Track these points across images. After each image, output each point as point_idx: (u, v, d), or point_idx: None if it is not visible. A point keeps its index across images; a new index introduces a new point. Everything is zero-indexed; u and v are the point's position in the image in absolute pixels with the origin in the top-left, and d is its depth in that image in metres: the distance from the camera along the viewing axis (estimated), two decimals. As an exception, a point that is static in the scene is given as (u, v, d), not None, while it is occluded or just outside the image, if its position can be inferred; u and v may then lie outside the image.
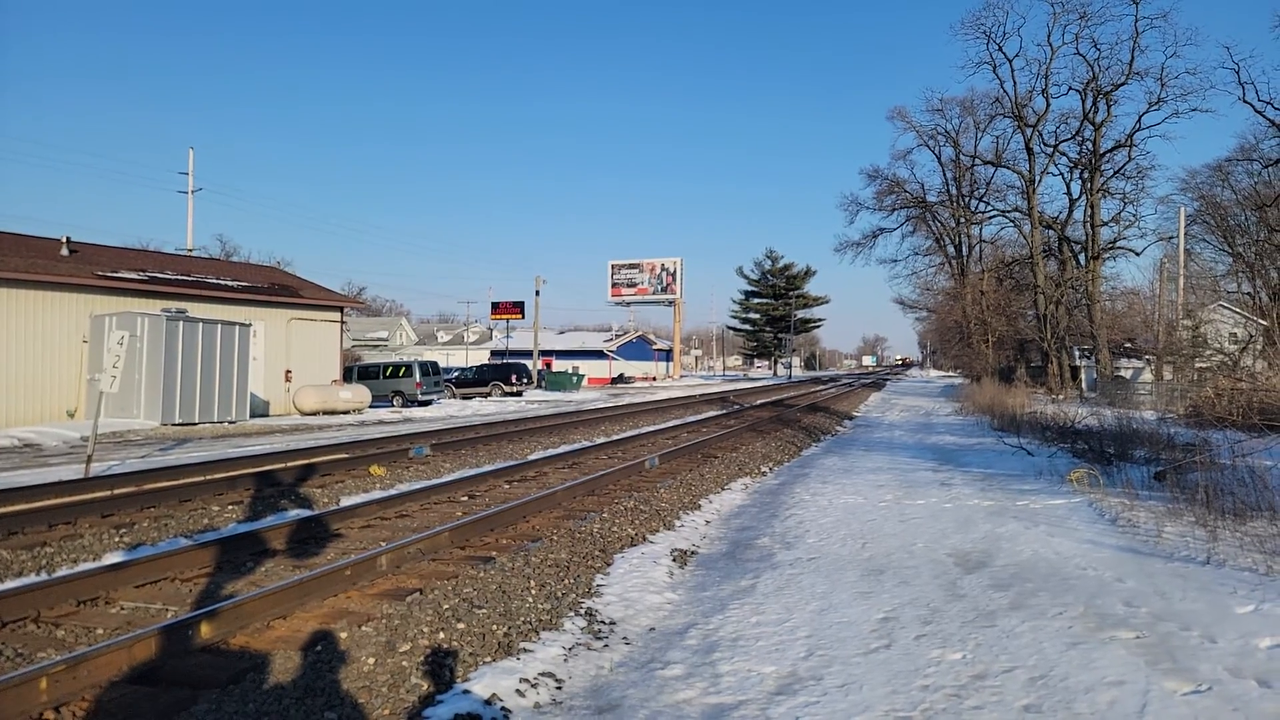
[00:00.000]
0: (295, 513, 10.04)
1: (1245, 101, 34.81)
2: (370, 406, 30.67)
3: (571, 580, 7.05)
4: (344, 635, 5.26)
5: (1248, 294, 47.57)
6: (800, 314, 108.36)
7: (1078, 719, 4.25)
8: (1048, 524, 9.11)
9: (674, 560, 8.08)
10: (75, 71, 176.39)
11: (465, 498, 11.04)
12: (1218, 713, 4.23)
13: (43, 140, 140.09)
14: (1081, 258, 43.29)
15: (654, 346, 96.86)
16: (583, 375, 62.16)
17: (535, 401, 40.60)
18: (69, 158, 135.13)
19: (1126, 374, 40.29)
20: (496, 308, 68.32)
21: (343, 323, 33.52)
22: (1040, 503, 10.44)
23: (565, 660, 5.33)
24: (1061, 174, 44.67)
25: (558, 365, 74.02)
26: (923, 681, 4.82)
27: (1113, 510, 9.54)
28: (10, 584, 6.72)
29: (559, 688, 4.93)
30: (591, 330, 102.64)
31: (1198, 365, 32.31)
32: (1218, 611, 5.79)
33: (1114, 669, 4.84)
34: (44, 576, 7.08)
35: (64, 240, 25.82)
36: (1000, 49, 42.74)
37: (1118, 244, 43.57)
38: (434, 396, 36.85)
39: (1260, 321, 36.27)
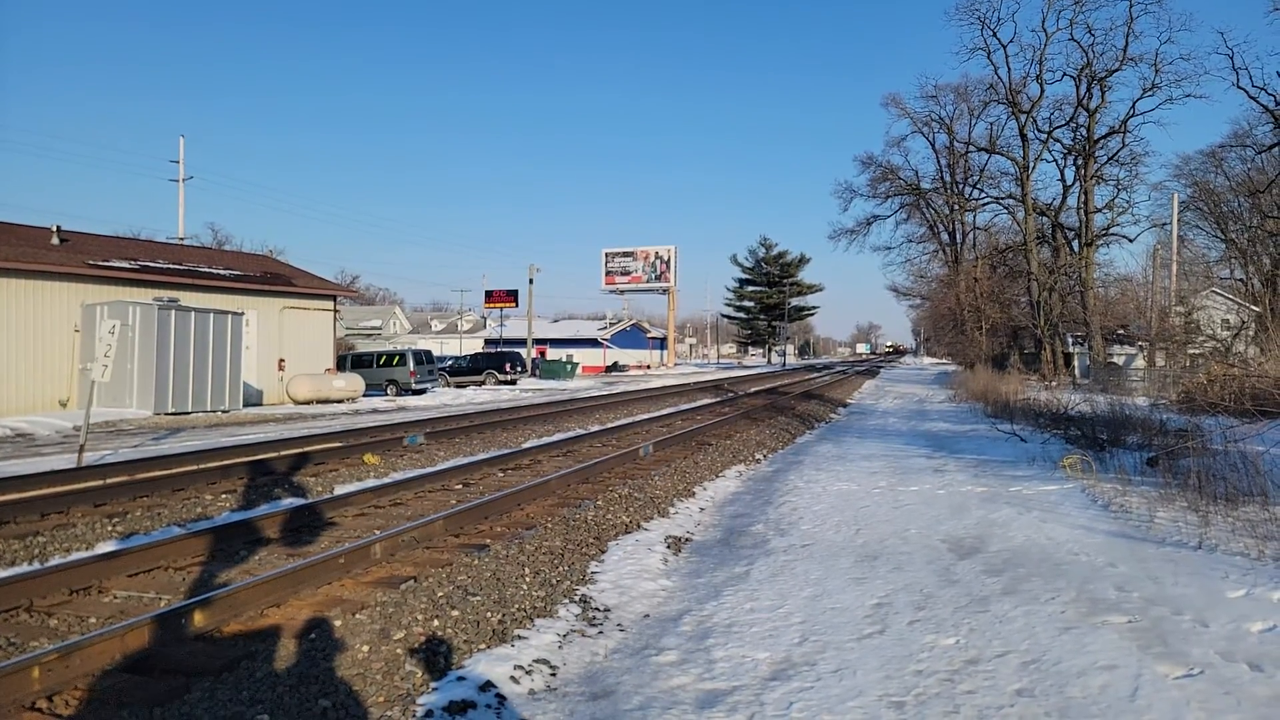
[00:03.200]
0: (289, 501, 10.03)
1: (1239, 87, 34.87)
2: (364, 395, 30.66)
3: (566, 568, 7.05)
4: (338, 623, 5.25)
5: (1240, 280, 47.76)
6: (794, 302, 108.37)
7: (1070, 703, 4.26)
8: (1041, 510, 9.14)
9: (668, 547, 8.09)
10: (65, 59, 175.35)
11: (459, 486, 11.03)
12: (1209, 696, 4.25)
13: (33, 128, 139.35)
14: (1075, 244, 43.33)
15: (648, 335, 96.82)
16: (577, 364, 62.10)
17: (529, 390, 40.60)
18: (59, 146, 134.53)
19: (1119, 360, 40.38)
20: (490, 296, 68.20)
21: (336, 311, 33.43)
22: (1033, 489, 10.47)
23: (560, 647, 5.34)
24: (1055, 160, 44.63)
25: (552, 354, 73.92)
26: (916, 666, 4.84)
27: (1105, 496, 9.57)
28: (3, 573, 6.69)
29: (553, 674, 4.93)
30: (586, 318, 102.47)
31: (1190, 351, 32.38)
32: (1210, 596, 5.81)
33: (1106, 653, 4.86)
34: (36, 566, 7.07)
35: (55, 229, 25.69)
36: (994, 35, 42.68)
37: (1111, 230, 43.61)
38: (428, 385, 36.80)
39: (1253, 307, 36.38)
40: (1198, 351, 31.98)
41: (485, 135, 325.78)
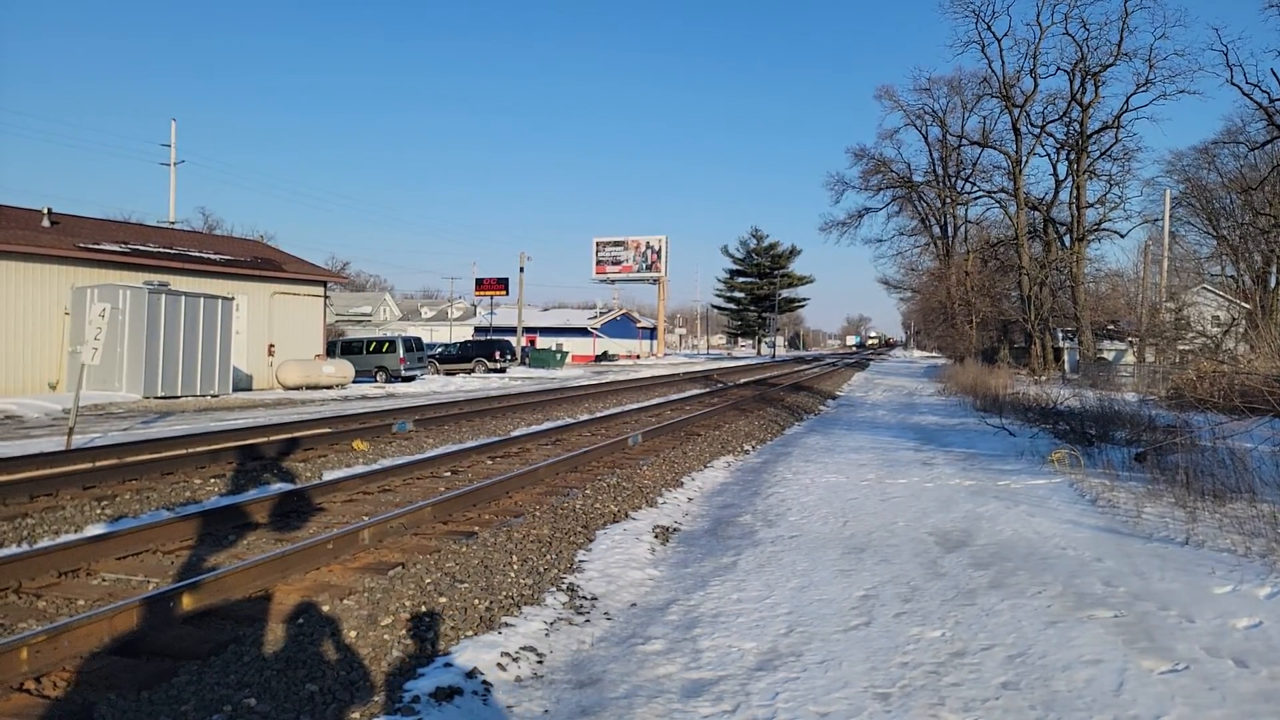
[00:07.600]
0: (277, 486, 10.01)
1: (1233, 84, 34.79)
2: (353, 382, 30.54)
3: (553, 556, 7.06)
4: (326, 608, 5.25)
5: (1231, 277, 47.96)
6: (785, 293, 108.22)
7: (1055, 696, 4.29)
8: (1028, 504, 9.18)
9: (656, 537, 8.11)
10: (55, 39, 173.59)
11: (448, 473, 11.02)
12: (1194, 691, 4.28)
13: (22, 109, 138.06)
14: (1066, 239, 43.40)
15: (638, 324, 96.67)
16: (567, 352, 61.97)
17: (519, 378, 40.54)
18: (49, 127, 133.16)
19: (1109, 356, 40.53)
20: (481, 284, 67.99)
21: (326, 297, 33.29)
22: (1021, 483, 10.51)
23: (547, 635, 5.34)
24: (1048, 155, 44.89)
25: (542, 342, 73.72)
26: (902, 659, 4.86)
27: (1093, 491, 9.62)
28: (-11, 555, 6.67)
29: (540, 662, 4.94)
30: (576, 308, 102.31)
31: (1180, 348, 32.53)
32: (1196, 592, 5.85)
33: (1091, 647, 4.89)
34: (25, 548, 7.04)
35: (45, 211, 25.49)
36: (989, 28, 42.62)
37: (1103, 226, 43.75)
38: (417, 372, 36.70)
39: (1243, 304, 36.53)
40: (1187, 348, 32.14)
41: (477, 122, 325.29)
